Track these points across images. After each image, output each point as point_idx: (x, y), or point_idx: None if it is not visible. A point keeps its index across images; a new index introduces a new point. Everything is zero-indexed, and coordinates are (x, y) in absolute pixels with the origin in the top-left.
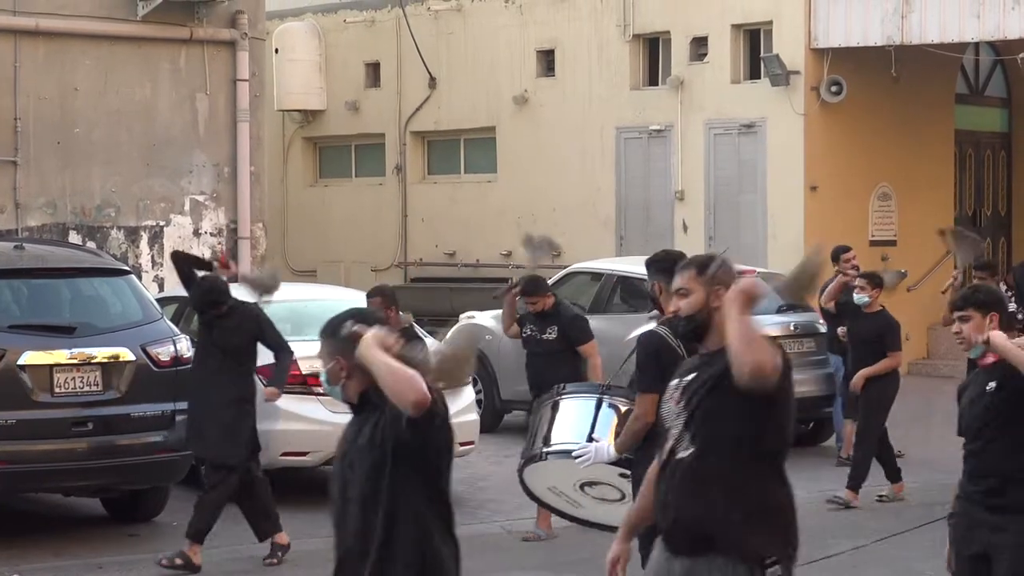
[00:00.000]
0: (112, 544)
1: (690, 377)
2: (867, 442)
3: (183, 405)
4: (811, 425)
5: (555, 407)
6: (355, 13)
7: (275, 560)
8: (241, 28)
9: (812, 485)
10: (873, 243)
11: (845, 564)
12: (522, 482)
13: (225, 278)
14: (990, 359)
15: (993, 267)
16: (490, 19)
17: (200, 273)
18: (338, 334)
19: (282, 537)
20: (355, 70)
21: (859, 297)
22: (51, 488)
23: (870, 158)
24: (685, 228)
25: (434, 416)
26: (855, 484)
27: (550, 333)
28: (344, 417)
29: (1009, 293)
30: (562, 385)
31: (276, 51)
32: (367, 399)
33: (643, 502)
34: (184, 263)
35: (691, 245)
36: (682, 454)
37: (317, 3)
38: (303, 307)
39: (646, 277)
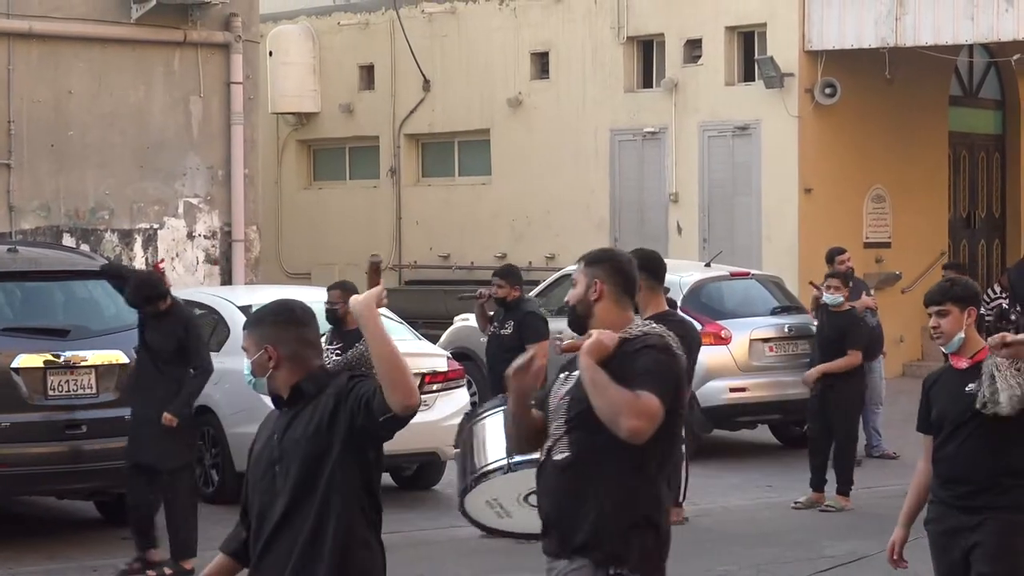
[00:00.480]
0: (106, 547)
1: (577, 372)
2: (848, 444)
3: None
4: (807, 427)
5: (482, 428)
6: (349, 15)
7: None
8: (235, 31)
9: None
10: (867, 245)
11: (842, 567)
12: (465, 514)
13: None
14: (965, 363)
15: (961, 267)
16: (484, 21)
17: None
18: (266, 322)
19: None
20: (349, 73)
21: (830, 297)
22: (45, 491)
23: (864, 160)
24: (679, 230)
25: (412, 416)
26: (845, 489)
27: (507, 328)
28: None
29: (1004, 295)
30: (481, 405)
31: (270, 54)
32: (299, 391)
33: None
34: (116, 274)
35: (686, 247)
36: (557, 457)
37: (311, 6)
38: None
39: None
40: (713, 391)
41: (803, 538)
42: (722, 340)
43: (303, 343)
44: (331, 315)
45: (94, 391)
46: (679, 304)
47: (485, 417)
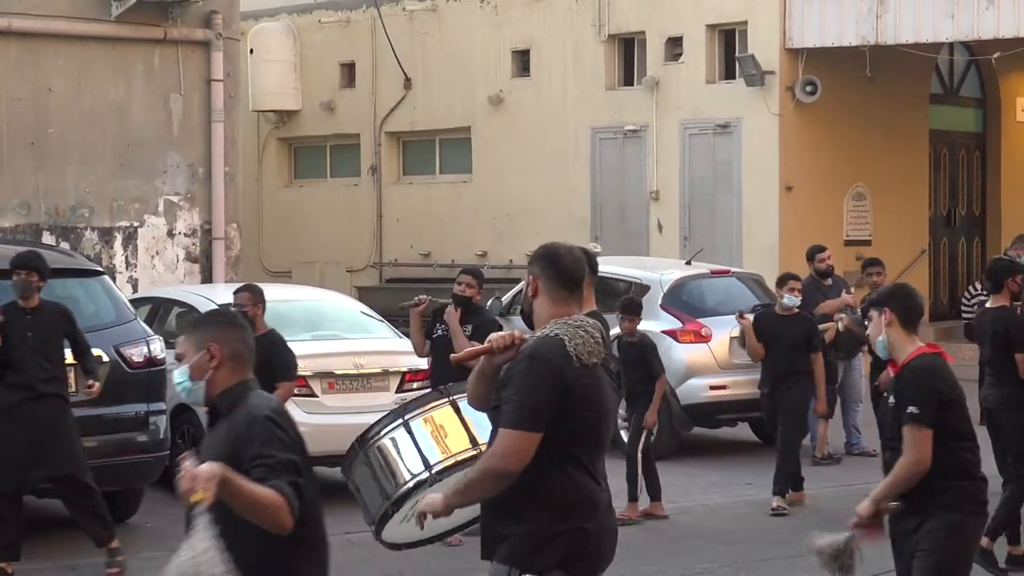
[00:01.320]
0: (86, 546)
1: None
2: (796, 444)
3: (157, 406)
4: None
5: (408, 429)
6: (330, 13)
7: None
8: (215, 28)
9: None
10: (848, 243)
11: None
12: (384, 542)
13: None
14: (892, 372)
15: (880, 262)
16: (465, 19)
17: None
18: (209, 323)
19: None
20: (330, 70)
21: (791, 299)
22: (24, 490)
23: (845, 158)
24: (660, 228)
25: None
26: (795, 485)
27: (464, 333)
28: (322, 418)
29: (984, 292)
30: (402, 406)
31: (251, 51)
32: (215, 408)
33: None
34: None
35: (666, 245)
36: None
37: (292, 3)
38: (277, 308)
39: (621, 277)
40: (693, 389)
41: (783, 536)
42: (702, 338)
43: (245, 344)
44: None
45: (73, 390)
46: (659, 302)
47: (382, 436)
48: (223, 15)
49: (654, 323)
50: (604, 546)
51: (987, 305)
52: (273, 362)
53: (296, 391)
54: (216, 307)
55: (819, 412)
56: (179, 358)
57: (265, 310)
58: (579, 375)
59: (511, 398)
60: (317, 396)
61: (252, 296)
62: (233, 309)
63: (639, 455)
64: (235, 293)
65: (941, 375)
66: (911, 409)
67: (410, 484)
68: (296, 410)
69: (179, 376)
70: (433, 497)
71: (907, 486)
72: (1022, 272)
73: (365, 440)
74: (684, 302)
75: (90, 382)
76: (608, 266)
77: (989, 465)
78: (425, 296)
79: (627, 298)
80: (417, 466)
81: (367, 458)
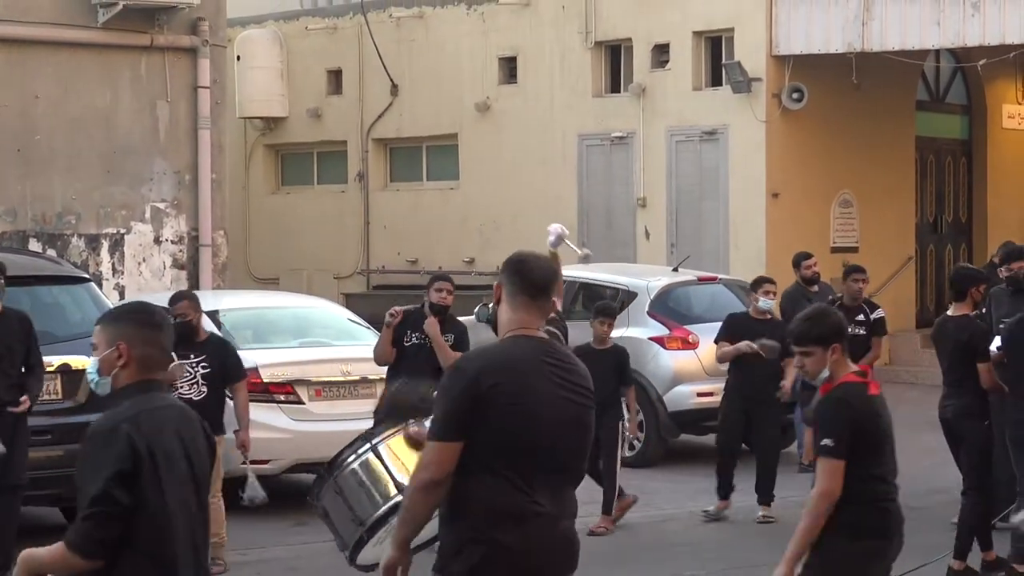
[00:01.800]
0: None
1: None
2: (777, 453)
3: None
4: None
5: (377, 453)
6: (317, 20)
7: None
8: (202, 35)
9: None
10: (835, 250)
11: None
12: (359, 565)
13: None
14: (821, 392)
15: (862, 269)
16: (452, 26)
17: None
18: (124, 319)
19: None
20: (317, 77)
21: (766, 302)
22: None
23: (831, 165)
24: (647, 235)
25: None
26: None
27: (447, 340)
28: (309, 425)
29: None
30: (368, 431)
31: (238, 58)
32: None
33: None
34: None
35: (653, 252)
36: None
37: (279, 10)
38: (265, 315)
39: (608, 284)
40: (680, 396)
41: (772, 542)
42: (689, 345)
43: (157, 347)
44: (181, 327)
45: (60, 397)
46: (647, 309)
47: (353, 461)
48: (209, 22)
49: (641, 330)
50: (536, 562)
51: (948, 313)
52: (226, 364)
53: (283, 398)
54: (140, 301)
55: (785, 391)
56: (93, 348)
57: (202, 315)
58: (498, 383)
59: (435, 411)
60: (304, 403)
61: (191, 304)
62: (176, 319)
63: (616, 466)
64: (172, 303)
65: (856, 404)
66: (825, 441)
67: (384, 509)
68: (283, 417)
69: (90, 368)
70: (387, 552)
71: (819, 519)
72: (986, 281)
73: (334, 467)
74: (671, 309)
75: (23, 398)
76: (595, 273)
77: (954, 476)
78: (399, 308)
79: (602, 302)
80: (389, 490)
81: (337, 485)
